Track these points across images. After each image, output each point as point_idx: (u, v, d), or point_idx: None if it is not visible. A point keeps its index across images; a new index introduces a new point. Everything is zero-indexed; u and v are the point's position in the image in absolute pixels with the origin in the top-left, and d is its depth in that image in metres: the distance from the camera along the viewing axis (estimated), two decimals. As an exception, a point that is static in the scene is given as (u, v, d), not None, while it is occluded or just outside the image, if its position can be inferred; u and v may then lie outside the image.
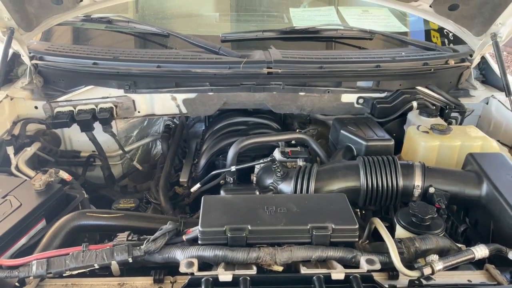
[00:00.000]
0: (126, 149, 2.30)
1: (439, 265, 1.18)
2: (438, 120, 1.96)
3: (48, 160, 2.04)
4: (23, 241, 1.35)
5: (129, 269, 1.25)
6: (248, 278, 1.11)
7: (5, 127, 1.98)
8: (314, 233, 1.20)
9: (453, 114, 2.13)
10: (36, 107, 2.08)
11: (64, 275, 1.18)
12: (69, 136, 2.21)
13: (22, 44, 2.01)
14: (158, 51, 2.23)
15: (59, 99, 2.06)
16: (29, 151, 1.91)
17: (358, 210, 1.71)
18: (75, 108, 2.06)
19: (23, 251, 1.32)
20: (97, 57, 2.06)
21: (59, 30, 2.46)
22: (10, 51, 2.00)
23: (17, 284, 1.17)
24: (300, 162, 1.77)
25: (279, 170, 1.62)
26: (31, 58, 2.08)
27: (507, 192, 1.45)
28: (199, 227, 1.20)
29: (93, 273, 1.21)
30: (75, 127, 2.06)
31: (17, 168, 1.80)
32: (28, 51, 2.08)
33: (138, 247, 1.21)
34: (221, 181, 1.76)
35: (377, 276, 1.17)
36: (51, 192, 1.49)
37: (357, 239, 1.24)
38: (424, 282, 1.18)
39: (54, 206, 1.49)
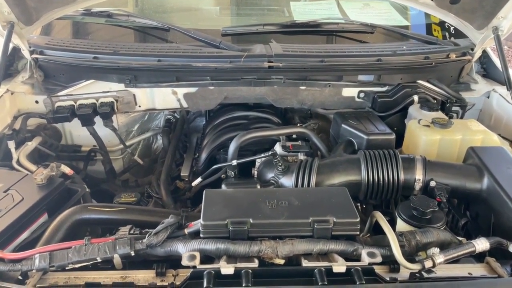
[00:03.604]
0: (127, 143, 2.31)
1: (440, 258, 1.19)
2: (439, 114, 1.96)
3: (49, 155, 2.04)
4: (25, 235, 1.35)
5: (131, 263, 1.25)
6: (250, 271, 1.11)
7: (6, 122, 1.98)
8: (315, 226, 1.20)
9: (454, 108, 2.13)
10: (36, 102, 2.08)
11: (66, 268, 1.18)
12: (70, 130, 2.21)
13: (22, 38, 2.00)
14: (158, 45, 2.22)
15: (59, 94, 2.06)
16: (30, 145, 1.90)
17: (359, 204, 1.71)
18: (75, 103, 2.06)
19: (25, 245, 1.32)
20: (98, 51, 2.05)
21: (59, 24, 2.45)
22: (10, 46, 1.99)
23: (19, 277, 1.18)
24: (301, 156, 1.78)
25: (280, 164, 1.62)
26: (31, 53, 2.08)
27: (508, 185, 1.45)
28: (201, 221, 1.21)
29: (95, 267, 1.22)
30: (76, 122, 2.06)
31: (18, 162, 1.80)
32: (28, 45, 2.07)
33: (140, 241, 1.22)
34: (222, 175, 1.77)
35: (378, 269, 1.18)
36: (52, 186, 1.49)
37: (358, 233, 1.25)
38: (425, 275, 1.19)
39: (56, 200, 1.49)
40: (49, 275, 1.19)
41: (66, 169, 1.69)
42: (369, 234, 1.36)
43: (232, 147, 1.78)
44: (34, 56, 2.07)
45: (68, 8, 2.00)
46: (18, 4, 1.83)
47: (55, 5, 1.93)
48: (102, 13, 2.27)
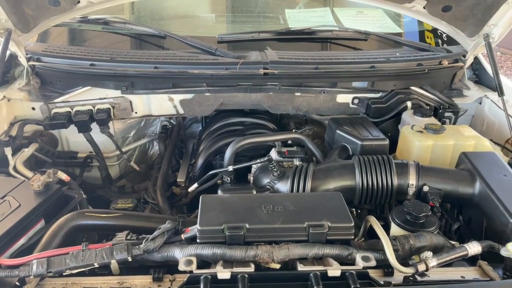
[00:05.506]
0: (123, 149, 2.32)
1: (433, 262, 1.20)
2: (432, 120, 1.99)
3: (46, 161, 2.05)
4: (22, 241, 1.36)
5: (128, 268, 1.26)
6: (246, 275, 1.12)
7: (3, 128, 1.99)
8: (310, 231, 1.22)
9: (447, 114, 2.16)
10: (33, 108, 2.09)
11: (64, 274, 1.19)
12: (67, 137, 2.21)
13: (19, 46, 2.02)
14: (155, 52, 2.24)
15: (56, 100, 2.07)
16: (27, 152, 1.91)
17: (353, 209, 1.73)
18: (72, 109, 2.07)
19: (22, 251, 1.32)
20: (94, 58, 2.07)
21: (55, 31, 2.47)
22: (7, 52, 2.00)
23: (17, 283, 1.18)
24: (297, 162, 1.79)
25: (275, 169, 1.63)
26: (28, 60, 2.09)
27: (499, 190, 1.48)
28: (197, 226, 1.22)
29: (92, 272, 1.23)
30: (73, 128, 2.07)
31: (15, 169, 1.80)
32: (25, 52, 2.08)
33: (137, 246, 1.23)
34: (219, 181, 1.78)
35: (372, 273, 1.19)
36: (49, 193, 1.50)
37: (352, 237, 1.26)
38: (418, 278, 1.20)
39: (53, 206, 1.49)
40: (46, 281, 1.19)
41: (63, 176, 1.69)
42: (363, 239, 1.38)
43: (228, 153, 1.79)
44: (31, 63, 2.09)
45: (65, 16, 2.02)
46: (16, 11, 1.84)
47: (52, 12, 1.94)
48: (99, 21, 2.29)
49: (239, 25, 2.66)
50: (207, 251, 1.18)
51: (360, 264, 1.18)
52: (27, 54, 2.09)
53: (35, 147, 1.97)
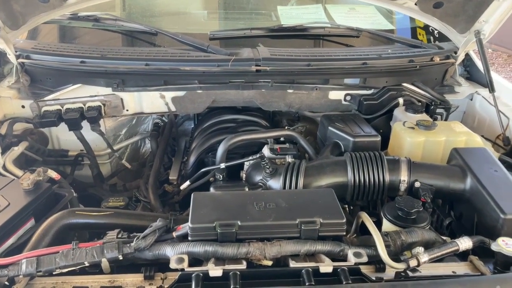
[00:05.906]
0: (115, 147, 2.30)
1: (424, 257, 1.21)
2: (424, 116, 2.00)
3: (36, 160, 2.03)
4: (11, 240, 1.35)
5: (119, 267, 1.25)
6: (238, 272, 1.12)
7: (-8, 127, 1.97)
8: (302, 227, 1.22)
9: (438, 110, 2.17)
10: (23, 106, 2.06)
11: (54, 273, 1.18)
12: (57, 135, 2.19)
13: (8, 43, 1.99)
14: (146, 49, 2.22)
15: (46, 98, 2.05)
16: (17, 150, 1.89)
17: (346, 205, 1.73)
18: (62, 107, 2.05)
19: (12, 250, 1.31)
20: (85, 56, 2.05)
21: (45, 28, 2.44)
22: (-4, 50, 1.98)
23: (6, 283, 1.16)
24: (289, 159, 1.79)
25: (268, 166, 1.63)
26: (18, 57, 2.06)
27: (490, 185, 1.49)
28: (189, 224, 1.21)
29: (83, 271, 1.22)
30: (63, 126, 2.05)
31: (4, 167, 1.79)
32: (14, 49, 2.05)
33: (128, 244, 1.22)
34: (211, 179, 1.77)
35: (364, 269, 1.20)
36: (39, 191, 1.49)
37: (344, 233, 1.27)
38: (410, 274, 1.21)
39: (43, 205, 1.48)
40: (36, 280, 1.18)
41: (53, 174, 1.68)
42: (355, 235, 1.38)
43: (220, 150, 1.79)
44: (20, 60, 2.06)
45: (55, 13, 1.99)
46: (4, 8, 1.82)
47: (42, 9, 1.92)
48: (89, 17, 2.27)
49: (231, 22, 2.65)
50: (198, 248, 1.18)
51: (352, 260, 1.19)
52: (16, 52, 2.06)
53: (25, 146, 1.95)
